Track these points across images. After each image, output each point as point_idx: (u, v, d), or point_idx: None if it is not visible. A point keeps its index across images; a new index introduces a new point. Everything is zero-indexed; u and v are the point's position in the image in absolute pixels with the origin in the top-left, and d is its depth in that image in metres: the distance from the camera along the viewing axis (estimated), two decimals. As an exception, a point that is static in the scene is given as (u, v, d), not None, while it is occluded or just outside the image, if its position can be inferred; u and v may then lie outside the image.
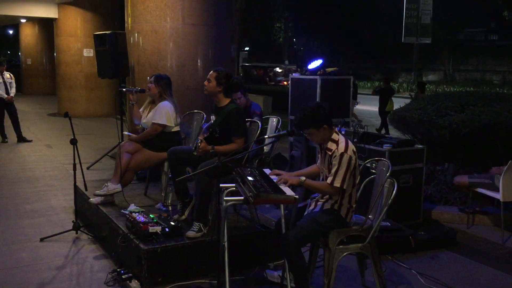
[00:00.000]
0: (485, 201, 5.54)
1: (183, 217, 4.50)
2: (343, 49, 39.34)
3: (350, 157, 3.45)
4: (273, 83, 29.54)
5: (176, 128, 5.13)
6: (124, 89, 5.67)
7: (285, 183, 3.45)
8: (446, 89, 25.90)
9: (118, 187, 4.95)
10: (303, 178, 3.49)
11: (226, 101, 4.42)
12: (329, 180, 3.46)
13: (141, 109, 5.33)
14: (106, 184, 5.00)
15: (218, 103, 4.45)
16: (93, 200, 4.98)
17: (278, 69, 29.96)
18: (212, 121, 4.50)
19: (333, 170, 3.45)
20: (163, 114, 5.00)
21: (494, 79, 35.50)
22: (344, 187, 3.45)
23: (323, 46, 40.71)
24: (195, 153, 4.24)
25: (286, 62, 39.55)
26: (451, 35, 35.30)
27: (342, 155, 3.44)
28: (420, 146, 5.39)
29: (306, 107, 3.55)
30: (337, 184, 3.43)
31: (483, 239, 5.13)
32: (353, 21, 38.42)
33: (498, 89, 23.96)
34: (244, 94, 6.45)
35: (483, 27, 40.50)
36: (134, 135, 5.19)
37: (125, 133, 5.58)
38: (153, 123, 5.03)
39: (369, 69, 40.02)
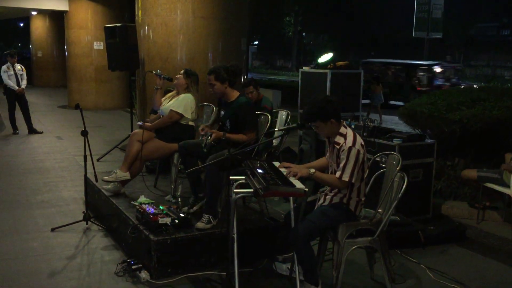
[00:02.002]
0: (496, 196, 5.50)
1: (192, 210, 4.51)
2: (353, 43, 39.15)
3: (358, 151, 3.44)
4: (425, 88, 17.49)
5: (192, 123, 5.16)
6: (153, 72, 5.74)
7: (294, 175, 3.46)
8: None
9: (126, 175, 4.98)
10: (313, 170, 3.49)
11: (235, 95, 4.43)
12: (337, 174, 3.47)
13: (163, 98, 5.36)
14: (114, 171, 5.03)
15: (227, 98, 4.45)
16: (106, 178, 4.99)
17: (437, 68, 19.00)
18: (222, 116, 4.51)
19: (341, 165, 3.45)
20: (183, 103, 5.03)
21: (506, 75, 35.19)
22: (353, 181, 3.45)
23: (333, 40, 40.52)
24: (205, 150, 4.24)
25: (448, 57, 27.97)
26: (462, 30, 35.01)
27: (350, 149, 3.43)
28: (431, 141, 5.37)
29: (314, 100, 3.55)
30: (345, 178, 3.44)
31: (493, 235, 5.11)
32: (364, 15, 38.23)
33: (509, 84, 23.75)
34: (256, 88, 6.45)
35: (495, 22, 40.09)
36: (148, 123, 5.21)
37: (139, 123, 5.61)
38: (171, 110, 5.06)
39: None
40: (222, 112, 4.56)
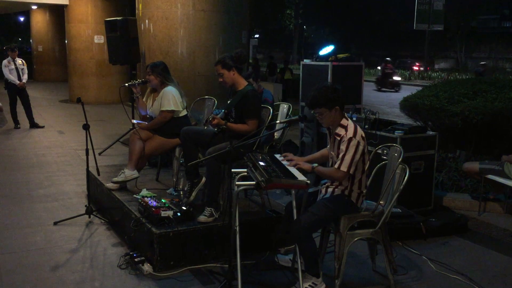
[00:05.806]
0: (500, 188, 5.50)
1: (191, 198, 4.51)
2: (354, 36, 39.05)
3: (358, 143, 3.45)
4: None
5: (184, 112, 5.13)
6: (126, 85, 5.42)
7: (294, 165, 3.48)
8: (458, 76, 25.67)
9: (134, 173, 4.97)
10: (315, 164, 3.51)
11: (243, 83, 4.43)
12: (336, 165, 3.48)
13: (144, 99, 5.31)
14: (122, 171, 5.01)
15: (236, 87, 4.44)
16: (110, 185, 4.99)
17: None
18: (228, 103, 4.49)
19: (340, 155, 3.47)
20: (170, 99, 4.98)
21: (507, 67, 35.10)
22: (351, 172, 3.45)
23: (334, 33, 40.42)
24: (205, 127, 4.24)
25: None
26: (463, 22, 34.88)
27: (350, 140, 3.44)
28: (432, 133, 5.36)
29: (321, 86, 3.56)
30: (343, 168, 3.44)
31: (494, 226, 5.12)
32: (365, 8, 38.09)
33: (511, 76, 23.69)
34: (256, 81, 6.44)
35: (496, 14, 39.95)
36: (144, 123, 5.19)
37: (134, 121, 5.57)
38: (162, 111, 5.00)
39: (380, 56, 39.73)
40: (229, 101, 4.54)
